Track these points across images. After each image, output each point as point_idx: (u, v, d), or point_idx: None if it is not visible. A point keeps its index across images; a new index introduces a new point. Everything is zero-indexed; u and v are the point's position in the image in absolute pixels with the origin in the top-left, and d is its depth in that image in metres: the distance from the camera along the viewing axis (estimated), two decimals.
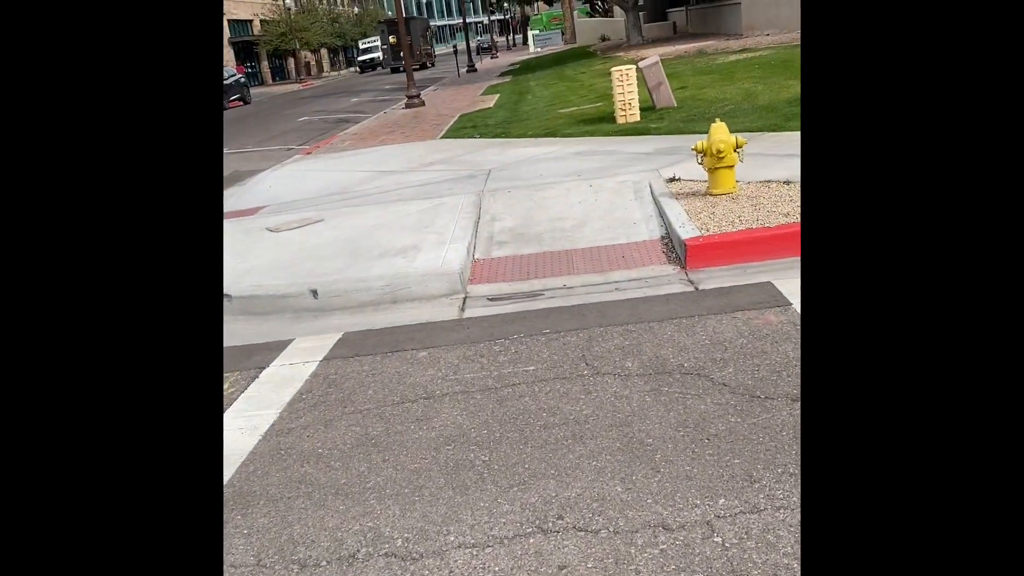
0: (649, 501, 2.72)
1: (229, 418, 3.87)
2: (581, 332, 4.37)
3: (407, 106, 20.05)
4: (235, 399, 4.10)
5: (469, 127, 13.80)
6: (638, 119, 11.18)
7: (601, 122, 11.64)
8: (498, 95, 20.32)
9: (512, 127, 12.89)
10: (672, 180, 7.21)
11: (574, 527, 2.63)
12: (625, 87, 11.11)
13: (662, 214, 6.36)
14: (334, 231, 7.01)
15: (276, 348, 4.79)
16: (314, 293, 5.40)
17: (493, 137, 12.11)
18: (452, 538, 2.67)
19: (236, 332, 5.23)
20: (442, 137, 13.05)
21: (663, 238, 5.97)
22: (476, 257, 6.06)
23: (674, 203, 6.39)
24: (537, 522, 2.69)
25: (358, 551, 2.67)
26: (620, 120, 11.21)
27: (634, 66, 11.27)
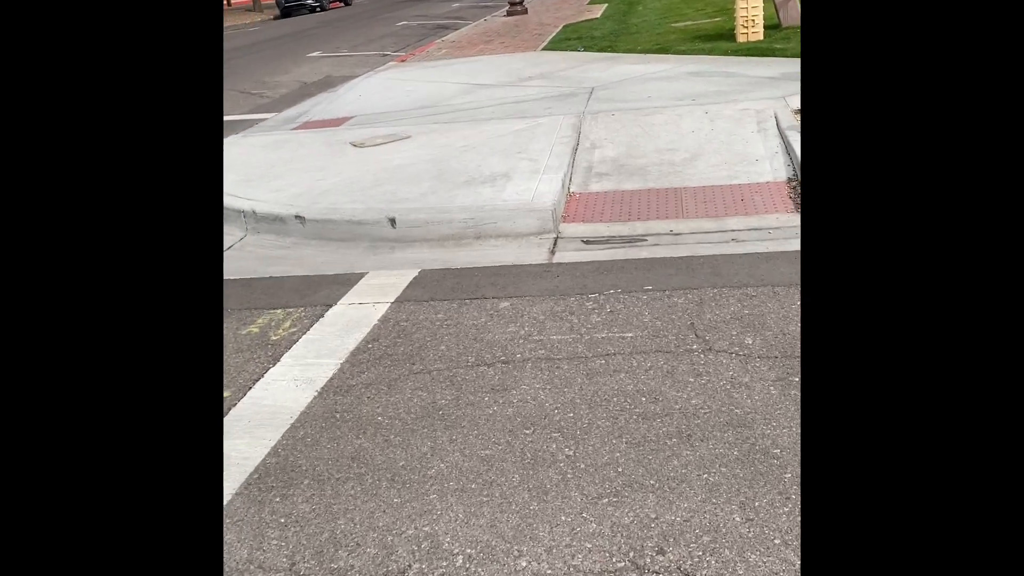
0: (777, 542, 2.13)
1: (286, 366, 3.45)
2: (690, 293, 3.73)
3: (508, 14, 19.05)
4: (295, 341, 3.68)
5: (573, 39, 12.85)
6: (761, 38, 10.05)
7: (719, 39, 10.55)
8: (606, 5, 19.04)
9: (620, 41, 11.90)
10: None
11: (678, 569, 2.08)
12: (749, 1, 9.96)
13: (789, 151, 5.53)
14: (420, 150, 6.45)
15: (347, 282, 4.33)
16: (392, 222, 4.90)
17: (598, 51, 11.18)
18: (524, 563, 2.17)
19: (306, 259, 4.81)
20: (543, 49, 12.19)
21: (790, 180, 5.17)
22: (572, 190, 5.42)
23: None
24: (632, 554, 2.15)
25: (409, 567, 2.20)
26: (741, 38, 10.11)
27: None
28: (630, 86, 8.27)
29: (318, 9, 31.19)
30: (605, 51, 11.08)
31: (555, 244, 4.64)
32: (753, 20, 10.06)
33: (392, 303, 4.00)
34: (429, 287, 4.16)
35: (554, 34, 13.94)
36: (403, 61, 12.61)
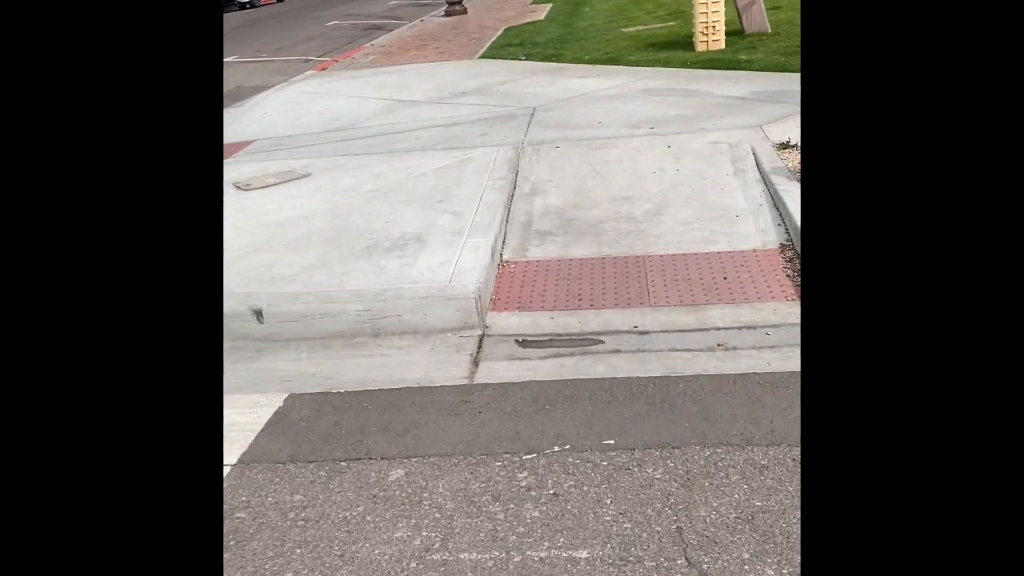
0: None
1: None
2: (671, 457, 2.54)
3: (447, 14, 17.73)
4: None
5: (514, 44, 11.63)
6: (723, 47, 8.97)
7: (676, 48, 9.44)
8: (550, 5, 17.85)
9: (565, 48, 10.71)
10: (785, 146, 5.19)
11: None
12: (709, 4, 8.87)
13: (778, 204, 4.39)
14: (319, 195, 5.16)
15: None
16: (258, 315, 3.61)
17: (542, 60, 9.98)
18: None
19: None
20: (481, 56, 10.93)
21: (784, 248, 4.03)
22: (506, 257, 4.19)
23: (796, 187, 4.41)
24: None
25: None
26: (700, 47, 9.01)
27: None
28: (577, 106, 7.08)
29: (248, 6, 29.40)
30: (549, 60, 9.88)
31: (480, 347, 3.41)
32: (714, 27, 8.96)
33: (233, 466, 2.72)
34: (294, 432, 2.89)
35: (494, 39, 12.70)
36: (323, 69, 11.22)
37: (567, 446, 2.65)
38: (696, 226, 4.30)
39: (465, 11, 17.82)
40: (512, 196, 4.92)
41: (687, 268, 3.88)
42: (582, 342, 3.37)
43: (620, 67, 8.84)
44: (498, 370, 3.22)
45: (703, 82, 7.46)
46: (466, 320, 3.52)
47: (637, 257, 4.04)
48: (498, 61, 10.33)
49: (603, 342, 3.36)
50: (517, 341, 3.43)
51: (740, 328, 3.36)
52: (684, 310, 3.53)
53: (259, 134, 7.51)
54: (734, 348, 3.22)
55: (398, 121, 7.35)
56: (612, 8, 15.10)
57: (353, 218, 4.63)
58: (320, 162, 5.99)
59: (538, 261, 4.11)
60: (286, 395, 3.16)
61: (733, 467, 2.46)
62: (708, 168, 5.05)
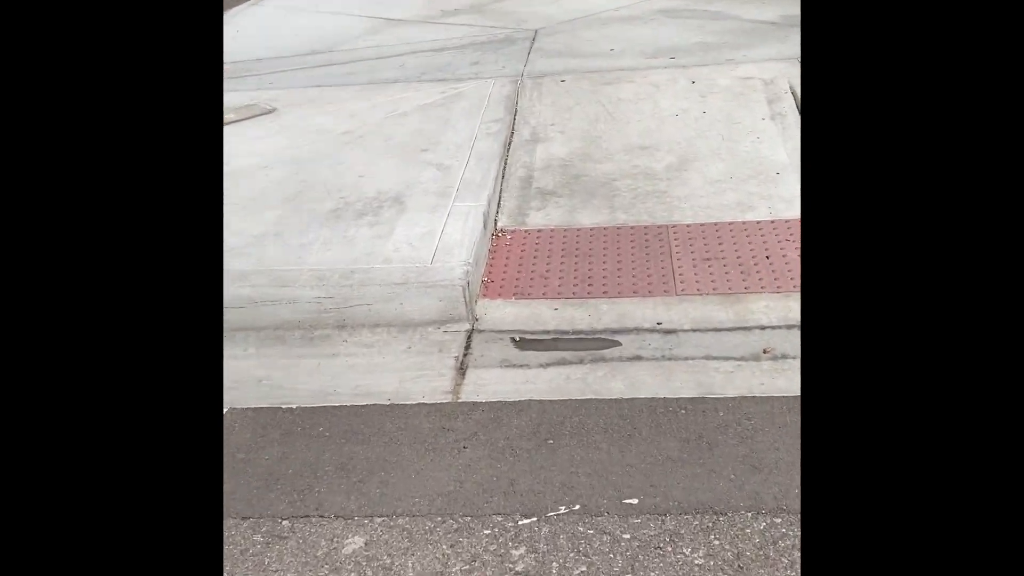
0: None
1: None
2: (714, 522, 1.93)
3: None
4: None
5: None
6: None
7: None
8: None
9: None
10: None
11: None
12: None
13: None
14: (282, 137, 4.42)
15: None
16: None
17: None
18: None
19: None
20: None
21: None
22: (501, 225, 3.51)
23: None
24: None
25: None
26: None
27: None
28: (585, 29, 6.24)
29: None
30: None
31: (468, 348, 2.77)
32: None
33: None
34: (228, 469, 2.27)
35: None
36: None
37: (576, 506, 2.04)
38: (728, 186, 3.60)
39: None
40: (509, 144, 4.19)
41: (720, 242, 3.20)
42: (593, 343, 2.73)
43: None
44: (489, 382, 2.58)
45: (727, 2, 6.59)
46: (451, 311, 2.86)
47: (659, 227, 3.36)
48: None
49: (619, 343, 2.72)
50: (513, 340, 2.79)
51: (789, 328, 2.72)
52: (719, 301, 2.88)
53: (229, 56, 6.66)
54: (783, 356, 2.58)
55: (382, 44, 6.51)
56: None
57: (321, 170, 3.91)
58: (291, 94, 5.21)
59: (539, 230, 3.43)
60: (225, 410, 2.53)
61: (797, 548, 1.86)
62: (740, 110, 4.30)
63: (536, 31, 6.35)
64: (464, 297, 2.85)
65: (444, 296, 2.85)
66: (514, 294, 3.01)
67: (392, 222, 3.30)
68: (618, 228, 3.38)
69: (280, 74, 5.85)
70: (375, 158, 4.00)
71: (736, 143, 3.96)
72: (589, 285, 3.02)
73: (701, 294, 2.91)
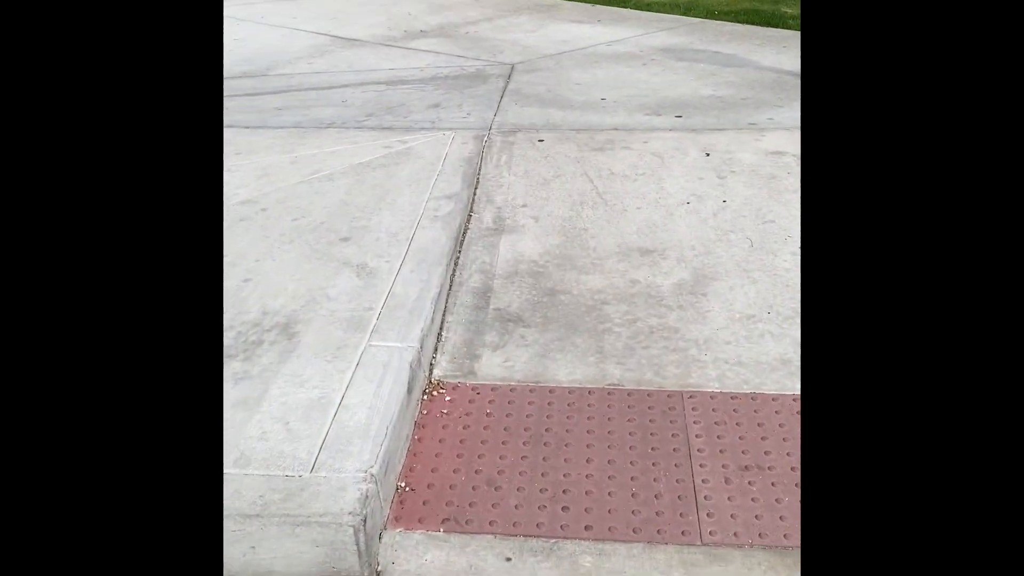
0: None
1: None
2: None
3: None
4: None
5: None
6: None
7: None
8: None
9: None
10: None
11: None
12: None
13: None
14: None
15: None
16: None
17: None
18: None
19: None
20: None
21: None
22: (437, 376, 2.39)
23: None
24: None
25: None
26: None
27: None
28: (572, 68, 5.18)
29: None
30: None
31: None
32: None
33: None
34: None
35: None
36: None
37: None
38: (767, 327, 2.53)
39: None
40: (464, 232, 3.10)
41: (763, 433, 2.13)
42: None
43: (627, 10, 6.88)
44: None
45: (741, 43, 5.58)
46: (336, 562, 1.75)
47: (669, 394, 2.27)
48: None
49: None
50: None
51: None
52: (770, 561, 1.79)
53: None
54: None
55: (327, 69, 5.40)
56: None
57: None
58: None
59: (494, 386, 2.32)
60: None
61: None
62: (772, 203, 3.25)
63: (513, 66, 5.28)
64: (357, 542, 1.74)
65: (324, 539, 1.74)
66: (444, 521, 1.90)
67: (269, 375, 2.18)
68: (609, 391, 2.29)
69: None
70: (274, 248, 2.88)
71: (772, 255, 2.90)
72: (563, 509, 1.92)
73: (741, 545, 1.83)
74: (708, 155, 3.64)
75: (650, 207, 3.25)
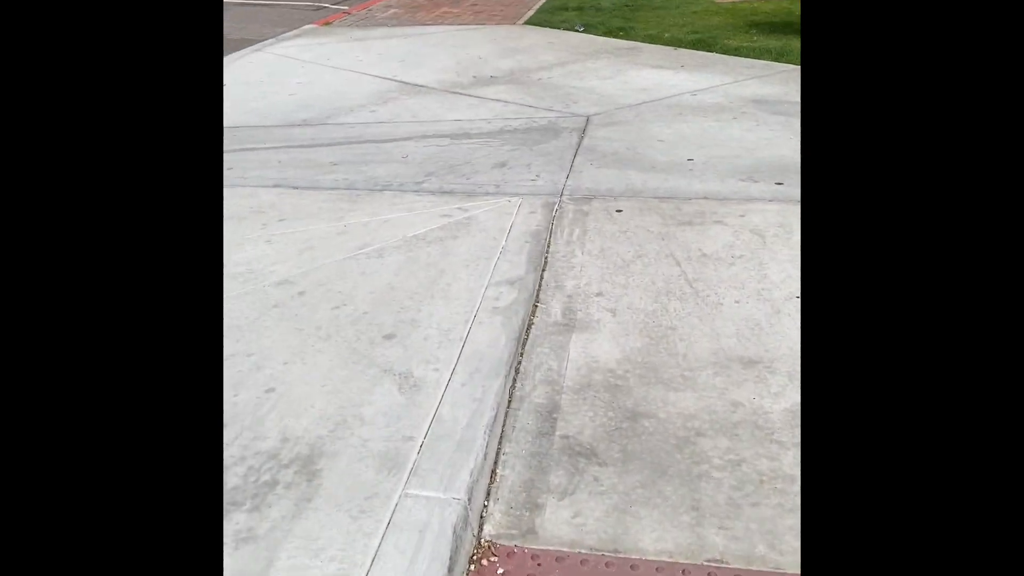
0: None
1: None
2: None
3: None
4: None
5: (572, 7, 9.14)
6: None
7: (790, 32, 6.93)
8: None
9: (638, 18, 8.22)
10: None
11: None
12: None
13: None
14: None
15: None
16: None
17: (605, 34, 7.52)
18: None
19: None
20: (526, 22, 8.48)
21: None
22: (488, 535, 1.90)
23: None
24: None
25: None
26: None
27: None
28: (654, 121, 4.70)
29: None
30: (615, 35, 7.42)
31: None
32: None
33: None
34: None
35: None
36: (326, 23, 8.89)
37: None
38: None
39: None
40: (527, 328, 2.63)
41: None
42: None
43: (714, 55, 6.38)
44: None
45: None
46: None
47: None
48: (547, 31, 7.89)
49: None
50: None
51: None
52: None
53: None
54: None
55: (389, 119, 5.05)
56: None
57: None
58: (234, 198, 3.73)
59: (560, 555, 1.83)
60: None
61: None
62: None
63: (588, 118, 4.83)
64: None
65: None
66: None
67: (278, 535, 1.74)
68: (709, 572, 1.77)
69: (243, 155, 4.39)
70: (307, 346, 2.46)
71: None
72: None
73: None
74: None
75: (751, 301, 2.73)
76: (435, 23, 8.70)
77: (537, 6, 9.46)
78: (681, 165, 3.93)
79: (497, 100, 5.38)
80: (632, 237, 3.18)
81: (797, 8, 7.87)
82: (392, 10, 9.80)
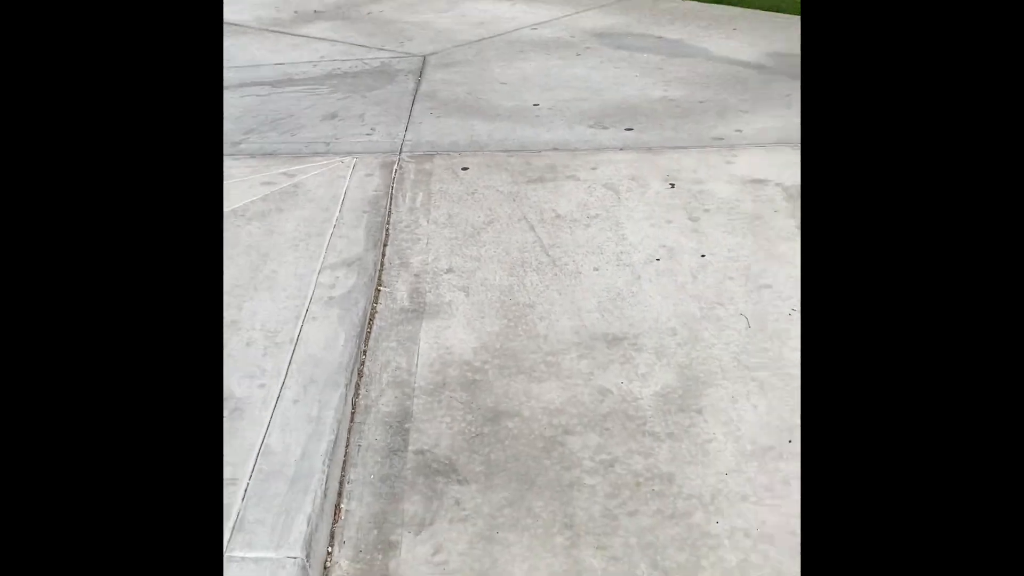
0: None
1: None
2: None
3: None
4: None
5: None
6: None
7: None
8: None
9: None
10: None
11: None
12: None
13: None
14: None
15: None
16: None
17: None
18: None
19: None
20: None
21: None
22: None
23: None
24: None
25: None
26: None
27: None
28: (495, 60, 4.38)
29: None
30: None
31: None
32: None
33: None
34: None
35: None
36: None
37: None
38: (794, 465, 1.86)
39: None
40: (370, 319, 2.31)
41: None
42: None
43: None
44: None
45: (686, 25, 4.86)
46: None
47: None
48: None
49: None
50: None
51: None
52: None
53: None
54: None
55: None
56: None
57: None
58: None
59: None
60: None
61: None
62: (763, 255, 2.57)
63: (425, 58, 4.44)
64: None
65: None
66: None
67: None
68: None
69: None
70: None
71: (778, 341, 2.22)
72: None
73: None
74: (673, 186, 2.94)
75: (611, 267, 2.53)
76: None
77: None
78: (527, 111, 3.66)
79: (323, 39, 4.86)
80: (481, 199, 2.90)
81: None
82: None
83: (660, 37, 4.63)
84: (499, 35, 4.81)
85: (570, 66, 4.22)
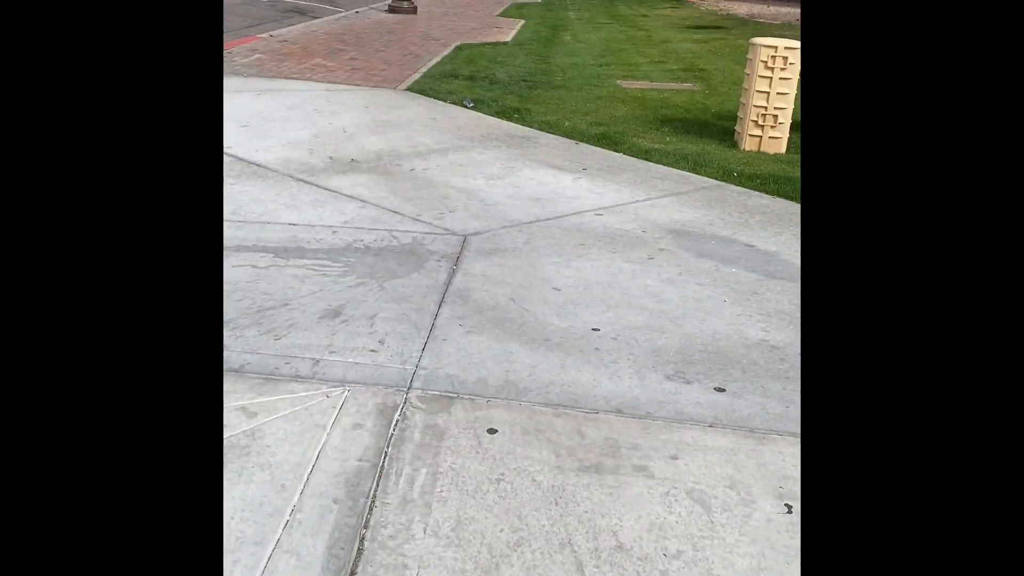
0: None
1: None
2: None
3: (391, 9, 14.14)
4: None
5: (463, 75, 8.08)
6: (783, 149, 5.67)
7: (705, 133, 6.08)
8: (523, 21, 14.43)
9: (536, 97, 7.23)
10: None
11: None
12: (775, 83, 5.53)
13: None
14: None
15: None
16: None
17: (498, 113, 6.46)
18: None
19: None
20: (408, 87, 7.33)
21: None
22: None
23: None
24: None
25: None
26: (749, 143, 5.68)
27: (798, 46, 5.61)
28: (546, 253, 3.59)
29: None
30: (509, 116, 6.37)
31: None
32: (775, 118, 5.62)
33: None
34: None
35: (437, 60, 9.11)
36: None
37: None
38: None
39: (414, 9, 14.26)
40: None
41: None
42: None
43: (621, 156, 5.40)
44: None
45: (782, 231, 4.06)
46: None
47: None
48: (431, 102, 6.76)
49: None
50: None
51: None
52: None
53: None
54: None
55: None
56: (602, 43, 11.73)
57: None
58: None
59: None
60: None
61: None
62: None
63: (465, 239, 3.68)
64: None
65: None
66: None
67: None
68: None
69: None
70: None
71: None
72: None
73: None
74: (789, 509, 2.02)
75: None
76: (302, 77, 7.43)
77: (424, 69, 8.35)
78: (583, 338, 2.81)
79: (352, 197, 4.16)
80: (509, 496, 2.00)
81: (711, 102, 7.10)
82: (257, 55, 8.47)
83: (751, 246, 3.84)
84: (557, 217, 4.06)
85: (641, 274, 3.41)
